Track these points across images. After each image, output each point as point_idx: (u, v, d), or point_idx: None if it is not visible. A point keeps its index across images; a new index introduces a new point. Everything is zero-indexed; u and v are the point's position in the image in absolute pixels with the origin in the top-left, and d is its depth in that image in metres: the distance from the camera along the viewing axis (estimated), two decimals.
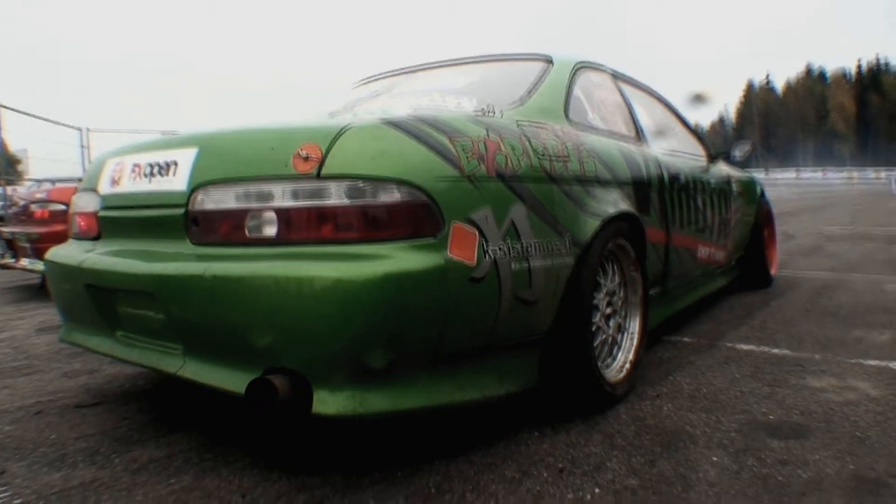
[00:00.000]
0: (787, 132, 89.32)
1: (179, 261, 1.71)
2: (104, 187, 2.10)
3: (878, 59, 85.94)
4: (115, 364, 2.90)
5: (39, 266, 5.03)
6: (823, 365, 2.64)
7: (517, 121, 2.05)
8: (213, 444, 1.97)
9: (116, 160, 2.09)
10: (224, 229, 1.70)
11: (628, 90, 3.22)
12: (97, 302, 2.01)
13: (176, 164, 1.82)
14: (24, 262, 5.22)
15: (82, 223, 2.23)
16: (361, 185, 1.57)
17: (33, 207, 5.34)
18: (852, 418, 2.06)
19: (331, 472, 1.76)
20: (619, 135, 2.76)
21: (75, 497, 1.66)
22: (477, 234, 1.68)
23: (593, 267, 2.10)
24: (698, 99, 3.68)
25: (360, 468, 1.78)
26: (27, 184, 11.60)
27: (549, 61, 2.66)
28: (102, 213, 2.10)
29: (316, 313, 1.49)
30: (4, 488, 1.72)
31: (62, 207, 5.13)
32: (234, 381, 1.61)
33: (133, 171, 1.98)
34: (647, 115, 3.32)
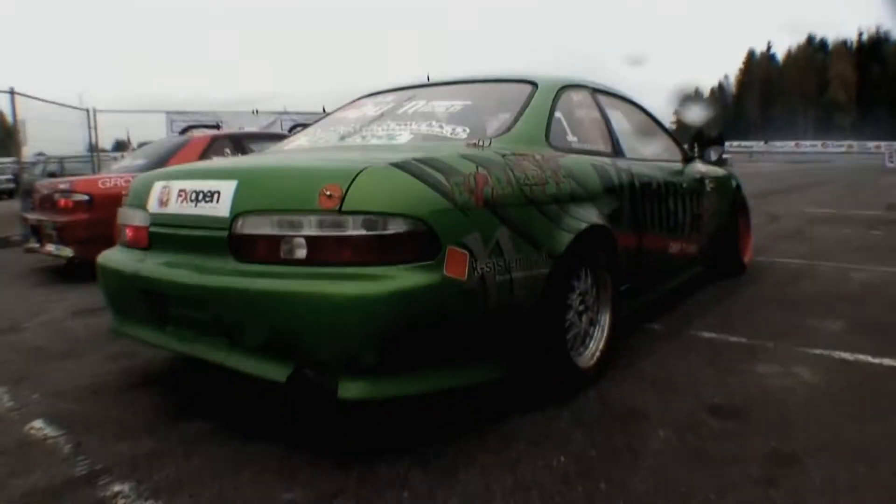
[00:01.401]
0: (788, 102, 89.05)
1: (226, 275, 2.10)
2: (153, 206, 2.48)
3: (878, 30, 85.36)
4: (151, 349, 3.28)
5: (66, 252, 5.43)
6: (773, 353, 3.02)
7: (503, 153, 2.43)
8: (249, 419, 2.38)
9: (162, 183, 2.48)
10: (262, 250, 2.09)
11: (607, 102, 3.56)
12: (150, 303, 2.41)
13: (219, 193, 2.21)
14: (51, 247, 5.60)
15: (131, 234, 2.62)
16: (374, 218, 1.96)
17: (57, 196, 5.70)
18: (785, 402, 2.44)
19: (349, 442, 2.17)
20: (595, 151, 3.12)
21: (144, 463, 2.06)
22: (468, 254, 2.07)
23: (567, 274, 2.49)
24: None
25: (374, 440, 2.19)
26: (27, 155, 11.80)
27: (535, 85, 3.01)
28: (153, 229, 2.48)
29: (339, 321, 1.91)
30: (84, 457, 2.13)
31: (86, 198, 5.50)
32: (273, 371, 2.02)
33: (179, 195, 2.36)
34: (625, 125, 3.68)
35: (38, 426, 2.40)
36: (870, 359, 2.88)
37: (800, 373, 2.74)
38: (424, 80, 3.56)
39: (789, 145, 59.17)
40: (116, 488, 1.91)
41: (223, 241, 2.16)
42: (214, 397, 2.61)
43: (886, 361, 2.84)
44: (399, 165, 2.06)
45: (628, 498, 1.79)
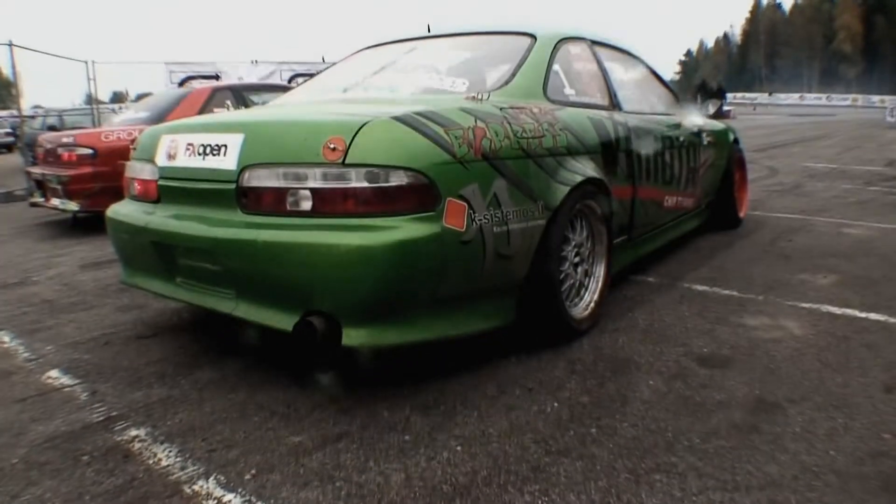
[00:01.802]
0: (793, 52, 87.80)
1: (233, 227, 2.18)
2: (161, 160, 2.54)
3: None
4: (160, 300, 3.39)
5: (71, 206, 5.49)
6: (763, 306, 3.11)
7: (500, 107, 2.48)
8: (257, 367, 2.48)
9: (170, 137, 2.53)
10: (268, 202, 2.16)
11: (606, 55, 3.58)
12: (160, 255, 2.48)
13: (226, 146, 2.27)
14: (55, 201, 5.66)
15: (140, 187, 2.68)
16: (376, 170, 2.02)
17: (60, 150, 5.73)
18: (772, 353, 2.53)
19: (353, 389, 2.28)
20: (592, 105, 3.16)
21: (158, 410, 2.17)
22: (466, 206, 2.14)
23: (562, 226, 2.57)
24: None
25: (376, 386, 2.29)
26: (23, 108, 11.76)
27: (533, 37, 3.04)
28: (162, 182, 2.54)
29: (343, 271, 1.99)
30: (100, 404, 2.23)
31: (89, 151, 5.54)
32: (279, 320, 2.11)
33: (187, 148, 2.42)
34: (624, 78, 3.70)
35: (54, 375, 2.50)
36: (857, 313, 2.97)
37: (787, 325, 2.83)
38: (425, 32, 3.57)
39: (794, 97, 58.63)
40: (133, 433, 2.02)
41: (231, 193, 2.23)
42: (223, 347, 2.70)
43: (873, 316, 2.93)
44: (400, 119, 2.12)
45: (617, 442, 1.89)
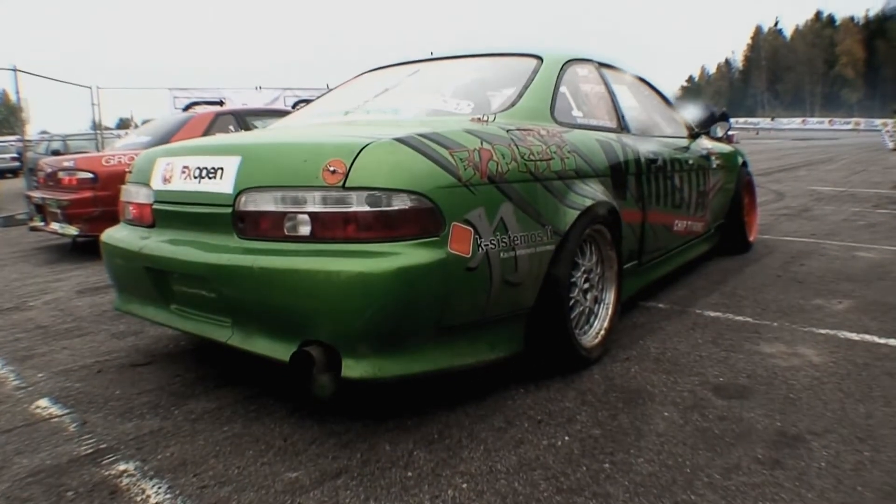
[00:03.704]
0: (795, 77, 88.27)
1: (229, 252, 2.09)
2: (156, 183, 2.46)
3: (883, 9, 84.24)
4: (157, 327, 3.30)
5: (70, 230, 5.43)
6: (778, 332, 3.01)
7: (507, 128, 2.40)
8: (254, 398, 2.38)
9: (166, 160, 2.45)
10: (265, 227, 2.08)
11: (613, 77, 3.52)
12: (154, 281, 2.40)
13: (222, 169, 2.19)
14: (55, 226, 5.60)
15: (135, 211, 2.60)
16: (378, 194, 1.93)
17: (61, 175, 5.68)
18: (790, 382, 2.43)
19: (354, 421, 2.17)
20: (600, 127, 3.08)
21: (149, 442, 2.07)
22: (472, 231, 2.05)
23: (571, 251, 2.47)
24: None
25: (378, 419, 2.18)
26: (30, 133, 11.80)
27: (540, 59, 2.98)
28: (157, 206, 2.46)
29: (343, 299, 1.89)
30: (90, 436, 2.13)
31: (90, 175, 5.48)
32: (276, 349, 2.02)
33: (183, 172, 2.34)
34: (631, 100, 3.64)
35: (43, 405, 2.41)
36: (876, 339, 2.87)
37: (805, 353, 2.73)
38: (429, 55, 3.52)
39: (796, 122, 58.77)
40: (122, 467, 1.92)
41: (227, 217, 2.15)
42: (219, 377, 2.60)
43: (892, 342, 2.82)
44: (403, 141, 2.04)
45: (633, 479, 1.78)
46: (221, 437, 2.09)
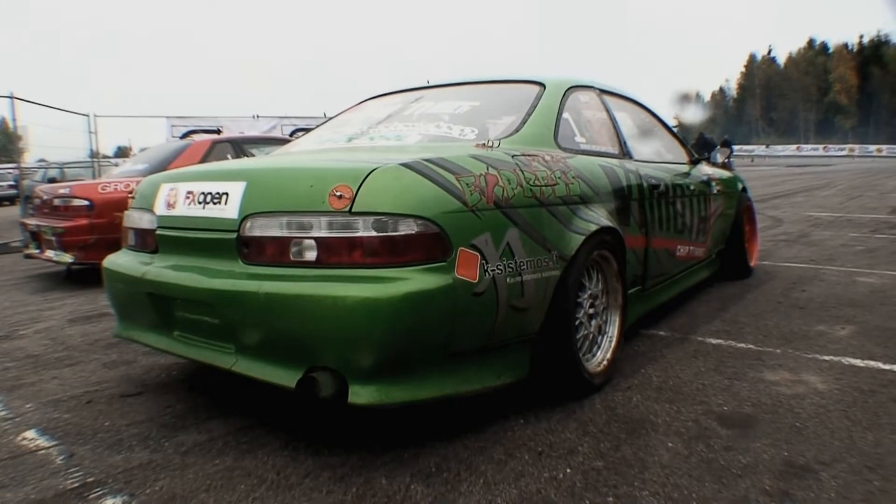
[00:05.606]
0: (789, 104, 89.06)
1: (234, 278, 2.05)
2: (160, 209, 2.44)
3: (878, 33, 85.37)
4: (149, 355, 3.24)
5: (65, 258, 5.38)
6: (782, 359, 2.96)
7: (512, 154, 2.38)
8: (247, 429, 2.31)
9: (169, 186, 2.43)
10: (271, 252, 2.05)
11: (614, 104, 3.52)
12: (157, 307, 2.36)
13: (227, 194, 2.17)
14: (50, 253, 5.55)
15: (137, 237, 2.57)
16: (385, 219, 1.91)
17: (56, 202, 5.65)
18: (796, 410, 2.37)
19: (349, 453, 2.11)
20: (603, 152, 3.07)
21: (138, 476, 2.00)
22: (479, 256, 2.02)
23: (577, 275, 2.45)
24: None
25: (373, 451, 2.12)
26: (28, 161, 11.81)
27: (542, 85, 2.97)
28: (160, 232, 2.43)
29: (350, 324, 1.85)
30: (76, 469, 2.07)
31: (85, 203, 5.45)
32: (281, 376, 1.98)
33: (187, 197, 2.31)
34: (632, 126, 3.63)
35: (30, 437, 2.34)
36: (881, 365, 2.82)
37: (810, 380, 2.68)
38: (429, 83, 3.51)
39: (791, 149, 59.20)
40: (109, 502, 1.85)
41: (231, 243, 2.12)
42: (211, 407, 2.54)
43: None
44: (409, 165, 2.02)
45: None
46: (212, 470, 2.02)
